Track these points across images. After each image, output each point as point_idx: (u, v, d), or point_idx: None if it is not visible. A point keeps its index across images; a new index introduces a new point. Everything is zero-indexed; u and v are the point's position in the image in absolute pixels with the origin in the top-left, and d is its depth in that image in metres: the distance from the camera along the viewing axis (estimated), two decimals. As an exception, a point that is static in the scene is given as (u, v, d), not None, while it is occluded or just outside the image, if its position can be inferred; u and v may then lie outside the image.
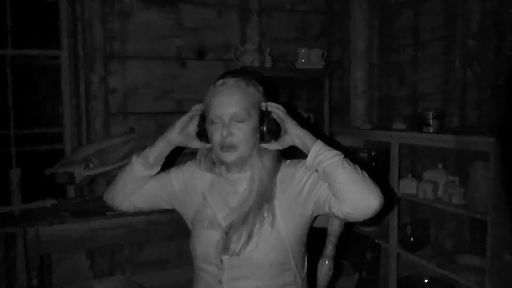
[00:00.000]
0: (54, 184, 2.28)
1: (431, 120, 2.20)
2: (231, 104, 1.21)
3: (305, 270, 1.35)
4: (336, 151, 1.16)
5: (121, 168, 2.29)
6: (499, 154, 1.79)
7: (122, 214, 2.13)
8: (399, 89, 2.84)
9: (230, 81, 1.24)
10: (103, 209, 2.17)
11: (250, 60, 2.66)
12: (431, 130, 2.20)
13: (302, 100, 3.05)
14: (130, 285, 2.44)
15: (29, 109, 2.71)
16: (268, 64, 2.74)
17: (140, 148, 2.33)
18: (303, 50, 2.81)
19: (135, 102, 2.65)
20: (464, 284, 2.08)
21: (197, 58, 2.77)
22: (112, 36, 2.57)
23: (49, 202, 2.31)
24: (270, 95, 1.32)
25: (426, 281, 2.37)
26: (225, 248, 1.21)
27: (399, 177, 2.41)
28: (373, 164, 2.64)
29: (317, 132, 1.27)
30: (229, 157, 1.23)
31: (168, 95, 2.72)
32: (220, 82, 1.25)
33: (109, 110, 2.59)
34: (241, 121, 1.21)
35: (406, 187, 2.37)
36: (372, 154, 2.65)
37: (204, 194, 1.33)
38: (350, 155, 1.20)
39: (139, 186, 1.36)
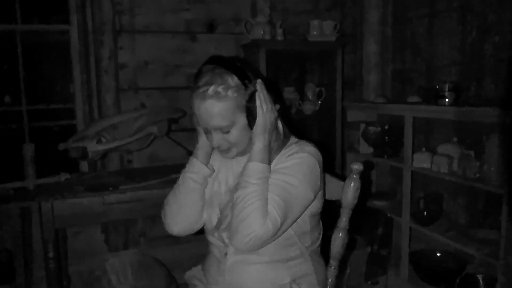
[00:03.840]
0: (67, 160, 2.30)
1: (446, 93, 2.15)
2: (213, 118, 1.18)
3: (316, 244, 1.36)
4: (258, 180, 1.17)
5: (133, 143, 2.32)
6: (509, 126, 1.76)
7: (136, 188, 2.16)
8: (413, 62, 2.78)
9: (208, 92, 1.16)
10: (116, 184, 2.19)
11: (261, 33, 2.62)
12: (446, 102, 2.16)
13: (314, 74, 3.01)
14: (144, 259, 2.47)
15: (40, 85, 2.71)
16: (279, 37, 2.69)
17: (151, 123, 2.36)
18: (315, 22, 2.75)
19: (145, 77, 2.63)
20: (477, 257, 2.07)
21: (207, 31, 2.73)
22: (120, 10, 2.54)
23: (63, 177, 2.32)
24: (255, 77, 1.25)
25: (438, 254, 2.36)
26: (218, 226, 1.28)
27: (413, 151, 2.38)
28: (386, 138, 2.61)
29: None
30: (228, 156, 1.28)
31: (178, 70, 2.69)
32: (197, 93, 1.18)
33: (120, 85, 2.58)
34: (227, 131, 1.21)
35: (420, 161, 2.34)
36: (386, 128, 2.61)
37: (218, 169, 1.37)
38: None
39: (203, 193, 1.34)
